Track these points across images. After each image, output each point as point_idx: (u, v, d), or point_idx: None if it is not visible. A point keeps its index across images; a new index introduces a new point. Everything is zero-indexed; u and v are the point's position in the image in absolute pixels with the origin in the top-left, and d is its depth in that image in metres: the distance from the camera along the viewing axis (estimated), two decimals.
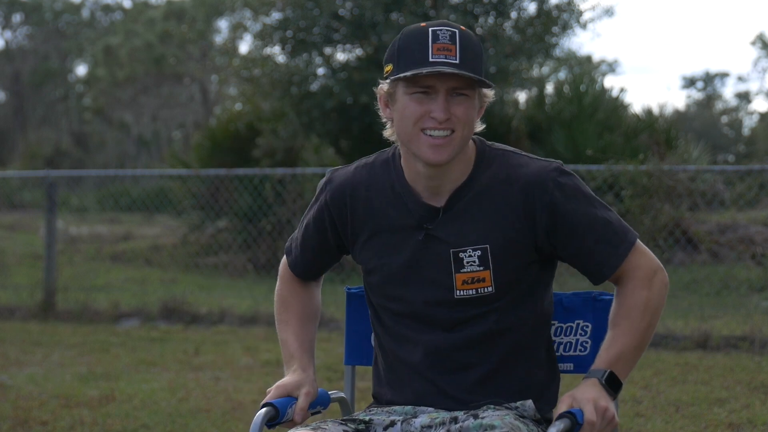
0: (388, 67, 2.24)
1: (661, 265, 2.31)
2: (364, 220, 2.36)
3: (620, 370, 2.21)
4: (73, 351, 7.24)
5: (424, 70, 2.15)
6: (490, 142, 2.36)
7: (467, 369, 2.30)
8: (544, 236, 2.27)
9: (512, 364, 2.30)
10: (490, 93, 2.26)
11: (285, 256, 2.54)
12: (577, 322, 2.46)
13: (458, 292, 2.28)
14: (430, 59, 2.17)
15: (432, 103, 2.19)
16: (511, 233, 2.27)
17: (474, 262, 2.27)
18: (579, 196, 2.28)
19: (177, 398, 5.55)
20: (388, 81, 2.24)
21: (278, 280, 2.54)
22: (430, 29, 2.20)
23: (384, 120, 2.32)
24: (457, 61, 2.17)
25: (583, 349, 2.45)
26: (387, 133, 2.32)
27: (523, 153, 2.35)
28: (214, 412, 5.21)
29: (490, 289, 2.27)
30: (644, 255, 2.30)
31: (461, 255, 2.27)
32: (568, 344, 2.46)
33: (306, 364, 2.37)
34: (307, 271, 2.51)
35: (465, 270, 2.27)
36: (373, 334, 2.46)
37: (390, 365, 2.38)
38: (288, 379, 2.33)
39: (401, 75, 2.18)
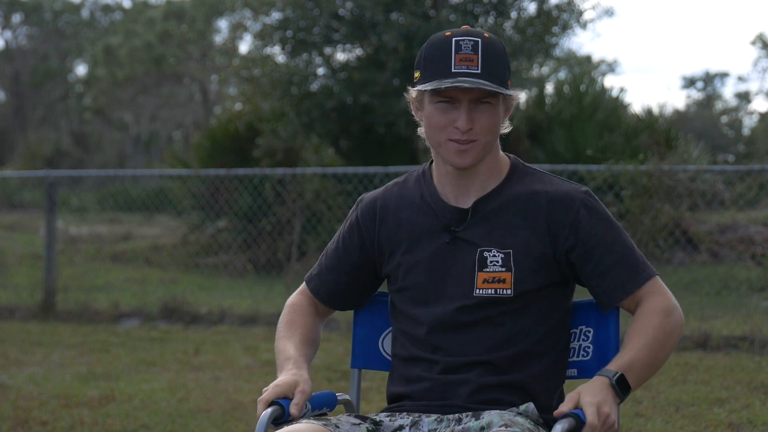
0: (417, 74, 2.31)
1: (678, 305, 2.31)
2: (393, 230, 2.41)
3: (630, 379, 2.21)
4: (73, 351, 7.24)
5: (443, 85, 2.21)
6: (525, 163, 2.43)
7: (473, 369, 2.31)
8: (564, 254, 2.30)
9: (518, 368, 2.32)
10: (516, 95, 2.32)
11: (304, 285, 2.55)
12: (580, 327, 2.47)
13: (477, 290, 2.30)
14: (453, 70, 2.22)
15: (455, 113, 2.26)
16: (533, 243, 2.30)
17: (497, 262, 2.31)
18: (604, 220, 2.32)
19: (177, 398, 5.55)
20: (416, 88, 2.31)
21: (287, 308, 2.53)
22: (453, 39, 2.25)
23: (417, 120, 2.38)
24: (479, 71, 2.22)
25: (585, 354, 2.45)
26: (420, 131, 2.38)
27: (557, 176, 2.40)
28: (214, 412, 5.21)
29: (508, 291, 2.29)
30: (663, 289, 2.32)
31: (485, 254, 2.31)
32: (571, 350, 2.46)
33: (301, 365, 2.35)
34: (327, 293, 2.50)
35: (487, 269, 2.31)
36: (391, 340, 2.51)
37: (403, 364, 2.40)
38: (283, 378, 2.30)
39: (423, 88, 2.25)
